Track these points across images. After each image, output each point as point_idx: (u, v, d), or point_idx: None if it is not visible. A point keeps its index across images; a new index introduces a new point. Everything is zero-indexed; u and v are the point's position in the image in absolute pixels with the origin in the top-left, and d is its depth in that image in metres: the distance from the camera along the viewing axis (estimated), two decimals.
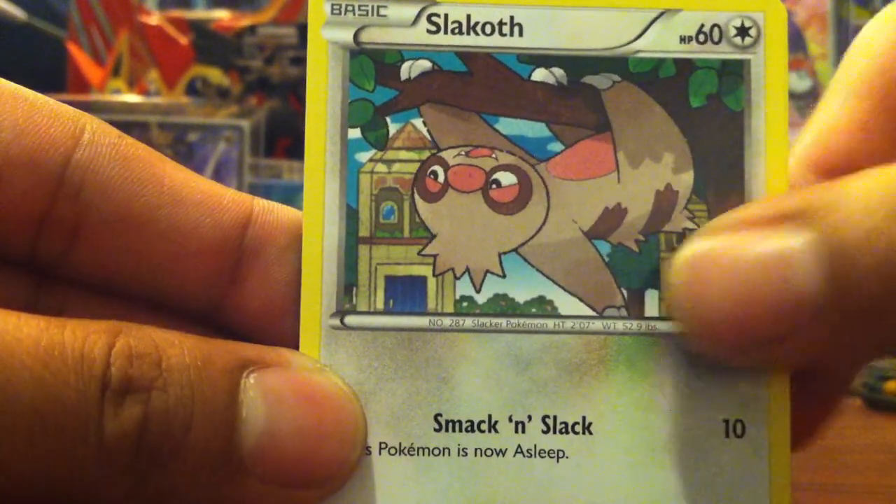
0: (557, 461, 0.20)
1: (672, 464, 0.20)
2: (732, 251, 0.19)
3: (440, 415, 0.20)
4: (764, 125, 0.21)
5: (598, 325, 0.21)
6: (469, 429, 0.20)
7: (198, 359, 0.18)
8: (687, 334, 0.20)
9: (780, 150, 0.21)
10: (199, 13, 1.41)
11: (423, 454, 0.20)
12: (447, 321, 0.21)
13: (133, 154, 0.20)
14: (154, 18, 1.34)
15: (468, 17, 0.21)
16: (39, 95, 0.20)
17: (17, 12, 1.27)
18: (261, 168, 1.18)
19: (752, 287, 0.18)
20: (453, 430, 0.20)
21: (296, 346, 0.20)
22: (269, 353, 0.19)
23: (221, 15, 1.37)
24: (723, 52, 0.21)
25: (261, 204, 0.22)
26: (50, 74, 1.26)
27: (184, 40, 1.31)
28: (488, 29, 0.21)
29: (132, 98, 1.25)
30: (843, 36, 0.99)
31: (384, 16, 0.21)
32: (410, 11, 0.21)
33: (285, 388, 0.19)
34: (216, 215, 0.21)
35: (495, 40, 0.21)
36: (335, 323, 0.20)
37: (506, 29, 0.21)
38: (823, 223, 0.18)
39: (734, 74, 0.21)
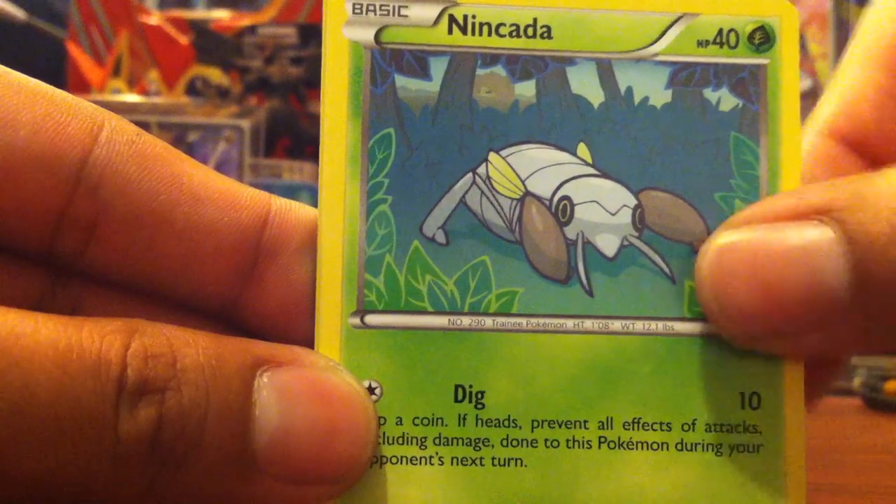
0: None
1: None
2: (760, 244, 0.19)
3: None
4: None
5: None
6: (496, 425, 0.21)
7: (212, 358, 0.18)
8: (714, 322, 0.20)
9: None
10: (199, 13, 1.41)
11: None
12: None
13: (151, 152, 0.20)
14: (154, 18, 1.34)
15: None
16: (58, 91, 0.20)
17: (17, 12, 1.27)
18: (261, 168, 1.18)
19: (779, 280, 0.18)
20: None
21: (311, 346, 0.20)
22: (282, 352, 0.19)
23: (221, 15, 1.37)
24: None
25: (278, 203, 0.21)
26: (50, 74, 1.26)
27: (184, 40, 1.31)
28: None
29: (132, 98, 1.25)
30: (843, 36, 0.99)
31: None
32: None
33: (299, 386, 0.19)
34: (234, 214, 0.21)
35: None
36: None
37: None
38: (850, 219, 0.18)
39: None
